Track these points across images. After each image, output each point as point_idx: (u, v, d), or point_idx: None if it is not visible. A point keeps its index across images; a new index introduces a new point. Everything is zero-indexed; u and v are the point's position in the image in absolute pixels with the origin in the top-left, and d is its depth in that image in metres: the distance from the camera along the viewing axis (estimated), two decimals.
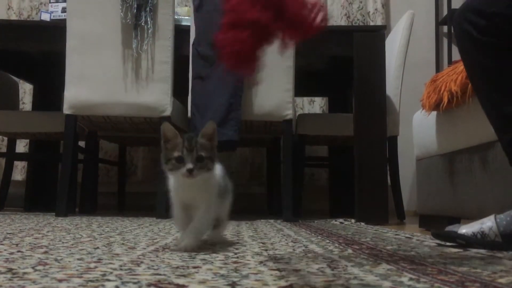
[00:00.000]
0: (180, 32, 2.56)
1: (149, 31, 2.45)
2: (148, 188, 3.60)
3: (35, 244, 1.15)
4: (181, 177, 1.07)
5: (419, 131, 2.34)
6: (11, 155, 3.13)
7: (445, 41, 3.80)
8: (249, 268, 0.84)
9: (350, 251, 1.12)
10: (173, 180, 1.14)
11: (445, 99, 1.87)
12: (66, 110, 2.50)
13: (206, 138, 1.10)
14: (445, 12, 3.77)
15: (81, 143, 3.00)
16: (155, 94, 2.47)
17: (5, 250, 1.03)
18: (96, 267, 0.82)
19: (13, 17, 3.86)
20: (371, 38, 2.55)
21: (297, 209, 2.69)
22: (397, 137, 2.90)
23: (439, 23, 3.82)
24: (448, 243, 1.30)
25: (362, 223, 2.29)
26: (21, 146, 3.67)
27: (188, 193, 1.13)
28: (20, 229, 1.56)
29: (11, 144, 3.12)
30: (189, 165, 1.05)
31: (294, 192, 2.51)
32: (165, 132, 1.09)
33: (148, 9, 2.44)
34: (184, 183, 1.10)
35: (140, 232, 1.56)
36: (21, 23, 3.33)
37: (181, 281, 0.70)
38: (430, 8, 3.83)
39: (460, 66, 1.80)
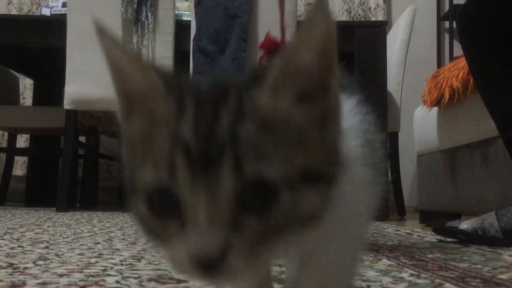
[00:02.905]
0: (181, 27, 2.55)
1: (150, 26, 2.44)
2: None
3: (35, 239, 1.15)
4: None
5: (420, 127, 2.34)
6: (11, 150, 3.13)
7: (446, 37, 3.79)
8: None
9: None
10: None
11: (447, 95, 1.86)
12: (67, 105, 2.49)
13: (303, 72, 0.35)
14: (446, 7, 3.76)
15: (82, 138, 3.00)
16: None
17: (6, 245, 1.03)
18: (96, 262, 0.82)
19: (14, 11, 3.85)
20: (372, 33, 2.53)
21: None
22: (398, 133, 2.89)
23: (440, 18, 3.80)
24: (448, 239, 1.29)
25: None
26: (22, 141, 3.67)
27: None
28: (20, 224, 1.57)
29: (12, 139, 3.12)
30: (206, 237, 0.31)
31: None
32: (118, 67, 0.37)
33: (148, 4, 2.43)
34: None
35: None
36: (21, 18, 3.31)
37: (181, 276, 0.70)
38: (432, 4, 3.82)
39: (462, 62, 1.79)
